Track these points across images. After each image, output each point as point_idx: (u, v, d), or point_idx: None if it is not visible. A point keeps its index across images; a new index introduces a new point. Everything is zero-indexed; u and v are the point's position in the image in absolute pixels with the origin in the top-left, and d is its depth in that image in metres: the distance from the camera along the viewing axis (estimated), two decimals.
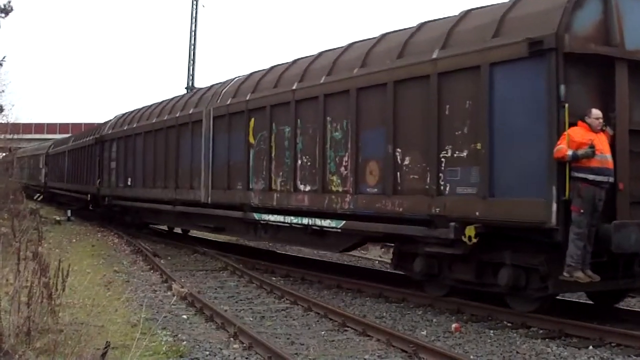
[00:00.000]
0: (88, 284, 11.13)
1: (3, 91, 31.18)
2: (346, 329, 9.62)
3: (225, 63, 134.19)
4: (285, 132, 14.31)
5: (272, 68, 16.31)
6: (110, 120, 29.37)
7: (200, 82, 48.04)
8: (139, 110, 25.65)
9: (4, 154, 50.83)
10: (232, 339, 8.88)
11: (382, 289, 12.36)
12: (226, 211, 16.54)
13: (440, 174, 10.40)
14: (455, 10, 12.39)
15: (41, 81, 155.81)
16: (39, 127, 74.22)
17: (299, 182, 13.87)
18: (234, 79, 18.25)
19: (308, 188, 13.59)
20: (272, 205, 14.61)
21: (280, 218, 14.35)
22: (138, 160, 23.17)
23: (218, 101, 17.65)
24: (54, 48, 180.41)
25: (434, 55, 10.63)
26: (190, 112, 19.13)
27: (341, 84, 12.75)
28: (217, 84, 19.36)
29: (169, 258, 18.19)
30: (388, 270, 15.53)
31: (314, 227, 13.39)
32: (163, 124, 21.12)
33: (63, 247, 18.58)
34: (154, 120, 22.13)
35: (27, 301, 7.37)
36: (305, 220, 13.54)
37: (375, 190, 11.78)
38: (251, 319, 10.43)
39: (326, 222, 12.90)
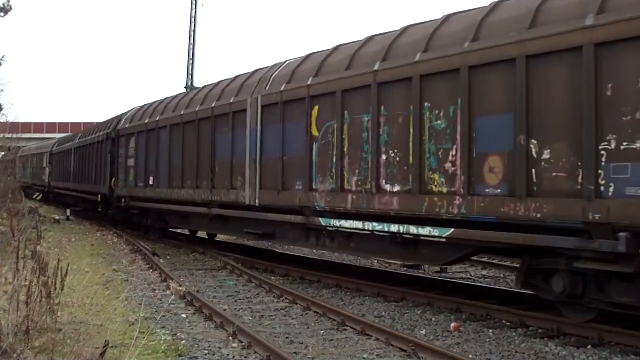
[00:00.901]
0: (87, 283, 11.12)
1: (2, 90, 31.26)
2: (345, 328, 9.62)
3: (224, 62, 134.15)
4: (363, 122, 11.97)
5: (337, 47, 13.94)
6: (125, 113, 26.72)
7: (200, 82, 48.03)
8: (162, 101, 22.97)
9: (3, 153, 50.79)
10: (231, 337, 8.88)
11: (381, 288, 12.35)
12: (281, 215, 14.21)
13: (600, 171, 8.21)
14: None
15: (40, 80, 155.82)
16: (38, 126, 74.23)
17: (383, 181, 11.51)
18: (284, 62, 15.78)
19: (397, 188, 11.23)
20: (344, 208, 12.26)
21: (357, 224, 12.05)
22: (163, 156, 20.65)
23: (267, 87, 15.17)
24: (52, 47, 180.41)
25: (588, 22, 8.38)
26: (231, 101, 16.60)
27: (445, 62, 10.38)
28: (262, 68, 16.91)
29: (168, 257, 18.19)
30: (387, 270, 15.54)
31: (406, 236, 11.18)
32: (194, 116, 18.52)
33: (62, 246, 18.58)
34: (182, 112, 19.59)
35: (26, 300, 7.37)
36: (393, 227, 11.26)
37: (498, 191, 9.46)
38: (250, 318, 10.43)
39: (425, 230, 10.62)
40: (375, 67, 11.76)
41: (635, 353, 8.09)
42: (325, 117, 12.96)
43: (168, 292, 12.46)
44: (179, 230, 23.96)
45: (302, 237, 14.14)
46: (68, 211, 32.40)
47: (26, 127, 65.23)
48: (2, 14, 18.63)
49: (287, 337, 9.07)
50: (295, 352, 8.17)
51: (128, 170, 23.74)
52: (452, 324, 9.63)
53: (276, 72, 15.42)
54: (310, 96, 13.44)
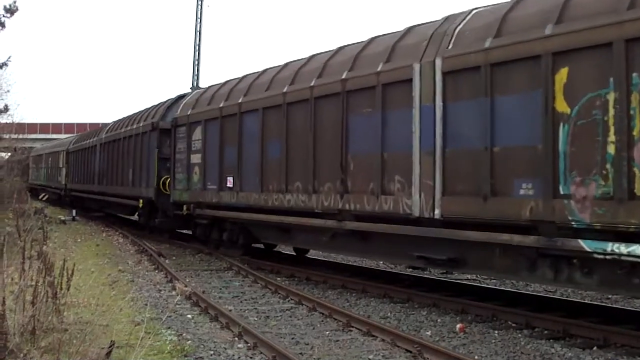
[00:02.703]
0: (93, 283, 11.13)
1: (8, 91, 31.24)
2: (351, 329, 9.62)
3: (230, 62, 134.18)
4: None
5: None
6: (176, 99, 22.42)
7: (205, 82, 48.03)
8: (241, 79, 17.88)
9: (9, 154, 50.77)
10: (236, 338, 8.89)
11: (386, 289, 12.34)
12: (491, 234, 9.62)
13: None
14: None
15: (45, 81, 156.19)
16: (44, 127, 74.35)
17: None
18: (470, 11, 11.10)
19: None
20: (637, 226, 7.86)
21: None
22: (250, 150, 15.84)
23: (450, 46, 10.59)
24: (58, 48, 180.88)
25: None
26: (379, 69, 11.75)
27: None
28: (420, 25, 12.19)
29: (174, 258, 18.21)
30: (393, 271, 15.53)
31: None
32: (307, 94, 13.64)
33: (68, 247, 18.64)
34: (285, 90, 14.48)
35: (32, 300, 7.38)
36: None
37: None
38: (256, 318, 10.44)
39: None
40: None
41: None
42: (585, 84, 8.50)
43: (174, 292, 12.47)
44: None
45: (522, 266, 9.64)
46: (74, 212, 32.39)
47: (32, 128, 65.34)
48: (8, 15, 18.68)
49: (292, 338, 9.07)
50: (301, 353, 8.18)
51: (191, 169, 18.88)
52: (458, 325, 9.62)
53: (464, 24, 10.79)
54: (551, 53, 8.85)
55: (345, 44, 14.11)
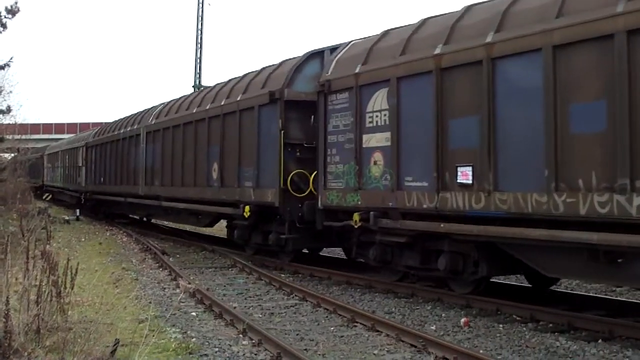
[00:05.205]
0: (97, 282, 11.16)
1: (11, 92, 31.16)
2: (355, 324, 9.61)
3: (232, 61, 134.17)
4: None
5: None
6: (318, 55, 15.49)
7: (207, 81, 48.05)
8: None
9: (13, 154, 50.78)
10: (241, 335, 8.89)
11: (391, 285, 12.33)
12: None
13: None
14: None
15: (48, 81, 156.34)
16: (47, 127, 74.47)
17: None
18: None
19: None
20: None
21: None
22: (520, 119, 9.55)
23: None
24: (60, 48, 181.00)
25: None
26: None
27: None
28: None
29: (178, 256, 18.22)
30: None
31: None
32: None
33: (72, 246, 18.66)
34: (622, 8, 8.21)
35: (37, 299, 7.39)
36: None
37: None
38: (260, 315, 10.44)
39: None
40: None
41: None
42: None
43: (178, 290, 12.48)
44: None
45: None
46: (77, 211, 32.36)
47: (35, 128, 65.41)
48: (10, 15, 18.66)
49: (297, 334, 9.07)
50: (305, 349, 8.17)
51: (365, 156, 12.46)
52: (463, 320, 9.62)
53: None
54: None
55: None
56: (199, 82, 50.09)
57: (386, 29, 13.25)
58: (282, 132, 14.79)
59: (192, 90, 43.47)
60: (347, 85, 12.90)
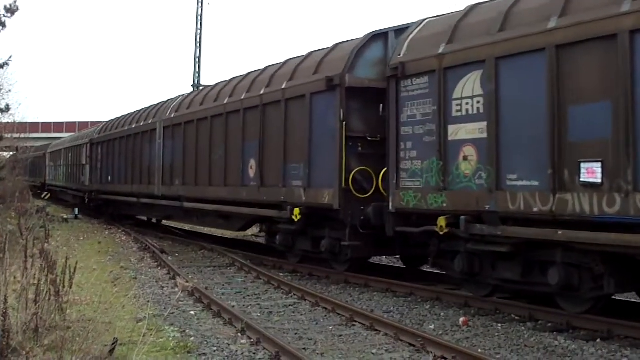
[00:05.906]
0: (95, 280, 11.15)
1: (10, 91, 31.12)
2: (354, 323, 9.61)
3: (231, 60, 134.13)
4: None
5: None
6: (383, 36, 13.38)
7: (206, 81, 48.03)
8: None
9: (12, 153, 50.73)
10: (240, 334, 8.88)
11: (389, 284, 12.33)
12: None
13: None
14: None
15: (47, 80, 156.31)
16: (46, 126, 74.44)
17: None
18: None
19: None
20: None
21: None
22: None
23: None
24: (59, 47, 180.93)
25: None
26: None
27: None
28: None
29: (177, 255, 18.22)
30: (396, 265, 15.52)
31: None
32: None
33: (70, 245, 18.60)
34: None
35: (35, 298, 7.39)
36: None
37: None
38: (259, 314, 10.43)
39: None
40: None
41: None
42: None
43: (176, 289, 12.48)
44: None
45: None
46: (76, 210, 32.29)
47: (34, 127, 65.36)
48: (9, 14, 18.64)
49: (296, 333, 9.07)
50: (304, 348, 8.17)
51: (450, 151, 10.72)
52: (461, 319, 9.61)
53: None
54: None
55: None
56: (198, 81, 49.96)
57: (473, 3, 11.31)
58: (344, 123, 12.87)
59: (191, 90, 43.42)
60: (427, 68, 11.07)
